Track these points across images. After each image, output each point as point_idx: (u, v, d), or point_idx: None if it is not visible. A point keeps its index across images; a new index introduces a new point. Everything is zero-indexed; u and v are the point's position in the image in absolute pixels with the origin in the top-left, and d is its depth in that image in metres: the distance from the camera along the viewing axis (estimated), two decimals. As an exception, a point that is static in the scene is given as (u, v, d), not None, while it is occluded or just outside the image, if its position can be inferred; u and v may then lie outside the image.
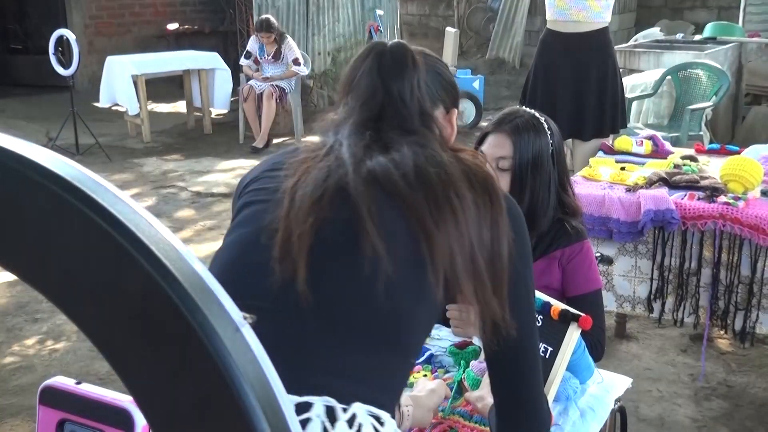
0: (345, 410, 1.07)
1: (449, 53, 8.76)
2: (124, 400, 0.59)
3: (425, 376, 1.88)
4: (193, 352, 0.38)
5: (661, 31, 8.64)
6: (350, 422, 1.06)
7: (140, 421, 0.57)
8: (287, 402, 0.41)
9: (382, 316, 1.14)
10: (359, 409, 1.08)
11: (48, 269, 0.43)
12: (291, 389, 1.07)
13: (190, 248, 0.41)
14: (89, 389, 0.61)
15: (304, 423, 1.04)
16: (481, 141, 2.14)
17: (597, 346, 2.03)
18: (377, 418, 1.10)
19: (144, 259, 0.39)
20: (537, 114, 2.12)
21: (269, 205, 1.17)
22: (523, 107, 2.20)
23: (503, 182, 2.05)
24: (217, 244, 5.61)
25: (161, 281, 0.38)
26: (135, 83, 7.87)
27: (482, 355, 1.88)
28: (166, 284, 0.38)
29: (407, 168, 1.14)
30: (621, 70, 4.57)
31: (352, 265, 1.12)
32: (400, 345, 1.19)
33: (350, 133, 1.21)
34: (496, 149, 2.06)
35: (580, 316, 1.72)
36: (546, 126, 2.10)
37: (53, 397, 0.61)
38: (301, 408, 1.05)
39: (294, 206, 1.11)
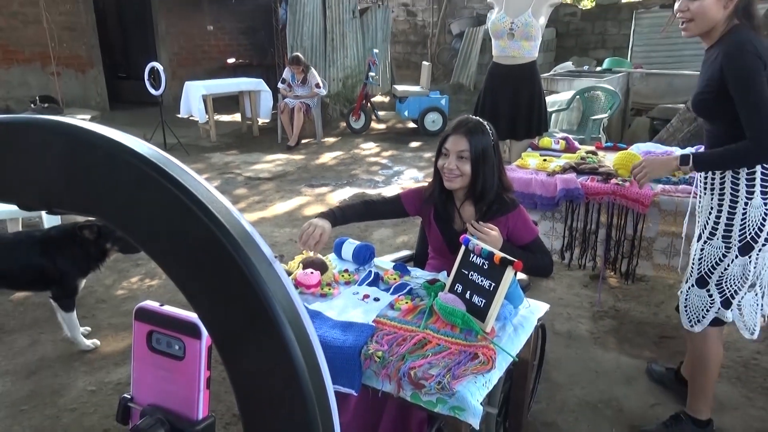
0: None
1: (425, 80, 8.69)
2: (195, 316, 0.58)
3: (406, 303, 1.88)
4: (237, 280, 0.38)
5: (573, 64, 8.57)
6: None
7: (206, 331, 0.57)
8: (307, 317, 0.41)
9: None
10: None
11: (138, 223, 0.42)
12: None
13: (244, 215, 0.41)
14: (169, 309, 0.61)
15: None
16: (443, 141, 2.10)
17: (549, 265, 2.12)
18: None
19: (203, 213, 0.38)
20: (481, 120, 2.10)
21: None
22: (472, 116, 2.17)
23: (465, 168, 2.03)
24: (262, 213, 5.57)
25: (215, 229, 0.38)
26: (205, 100, 7.82)
27: (447, 288, 1.89)
28: (218, 231, 0.38)
29: None
30: (544, 91, 4.53)
31: None
32: None
33: None
34: (458, 145, 2.04)
35: (514, 261, 1.72)
36: (488, 128, 2.08)
37: (144, 315, 0.60)
38: None
39: None
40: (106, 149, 0.40)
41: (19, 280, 2.90)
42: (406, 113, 8.45)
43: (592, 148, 3.73)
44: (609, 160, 3.29)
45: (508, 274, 1.72)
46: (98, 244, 2.86)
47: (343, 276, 2.11)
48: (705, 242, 2.07)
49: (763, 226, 1.95)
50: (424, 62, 9.18)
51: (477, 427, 1.51)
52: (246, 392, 0.39)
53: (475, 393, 1.49)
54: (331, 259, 2.26)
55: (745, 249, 1.99)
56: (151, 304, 0.61)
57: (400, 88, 8.80)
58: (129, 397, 0.62)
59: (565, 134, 4.06)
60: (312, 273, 2.02)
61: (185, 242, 0.39)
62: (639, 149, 3.43)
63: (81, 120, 0.43)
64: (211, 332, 0.40)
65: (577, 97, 5.84)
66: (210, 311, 0.40)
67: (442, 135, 2.12)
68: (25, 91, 8.97)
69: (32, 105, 7.92)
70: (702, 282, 2.09)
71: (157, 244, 0.41)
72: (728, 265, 2.02)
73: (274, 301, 0.37)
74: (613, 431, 2.39)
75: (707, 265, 2.07)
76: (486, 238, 1.94)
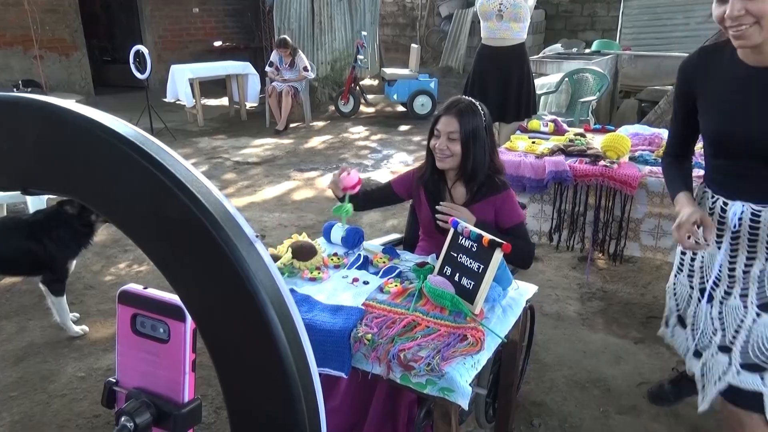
0: None
1: (413, 63, 8.63)
2: (178, 299, 0.58)
3: (395, 286, 1.88)
4: (217, 259, 0.37)
5: (561, 46, 8.55)
6: None
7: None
8: (290, 297, 0.40)
9: None
10: None
11: (116, 202, 0.41)
12: None
13: (232, 200, 0.40)
14: (153, 292, 0.60)
15: None
16: (435, 122, 2.10)
17: (529, 254, 2.12)
18: None
19: (181, 192, 0.37)
20: (473, 100, 2.09)
21: None
22: (464, 96, 2.17)
23: (456, 148, 2.04)
24: (251, 198, 5.56)
25: (194, 208, 0.37)
26: (191, 84, 7.73)
27: (436, 270, 1.89)
28: (197, 210, 0.37)
29: None
30: (533, 73, 4.53)
31: None
32: None
33: None
34: (448, 126, 2.05)
35: (503, 243, 1.72)
36: (480, 108, 2.07)
37: (127, 298, 0.59)
38: None
39: None
40: (81, 127, 0.39)
41: (9, 266, 2.87)
42: (395, 96, 8.40)
43: (580, 130, 3.74)
44: (597, 142, 3.30)
45: (497, 256, 1.72)
46: (83, 217, 2.83)
47: (332, 260, 2.10)
48: None
49: None
50: (413, 45, 9.11)
51: (466, 408, 1.52)
52: (228, 373, 0.38)
53: (464, 374, 1.50)
54: (320, 243, 2.25)
55: None
56: (135, 287, 0.60)
57: (389, 71, 8.74)
58: (114, 380, 0.62)
59: (553, 116, 4.06)
60: (349, 174, 2.14)
61: (164, 221, 0.39)
62: (627, 131, 3.44)
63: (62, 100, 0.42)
64: (191, 312, 0.40)
65: (566, 79, 5.83)
66: (190, 291, 0.39)
67: (435, 115, 2.13)
68: (7, 75, 8.82)
69: (15, 89, 7.80)
70: None
71: (136, 223, 0.40)
72: None
73: (256, 281, 0.37)
74: (601, 410, 2.42)
75: None
76: (458, 215, 1.97)
